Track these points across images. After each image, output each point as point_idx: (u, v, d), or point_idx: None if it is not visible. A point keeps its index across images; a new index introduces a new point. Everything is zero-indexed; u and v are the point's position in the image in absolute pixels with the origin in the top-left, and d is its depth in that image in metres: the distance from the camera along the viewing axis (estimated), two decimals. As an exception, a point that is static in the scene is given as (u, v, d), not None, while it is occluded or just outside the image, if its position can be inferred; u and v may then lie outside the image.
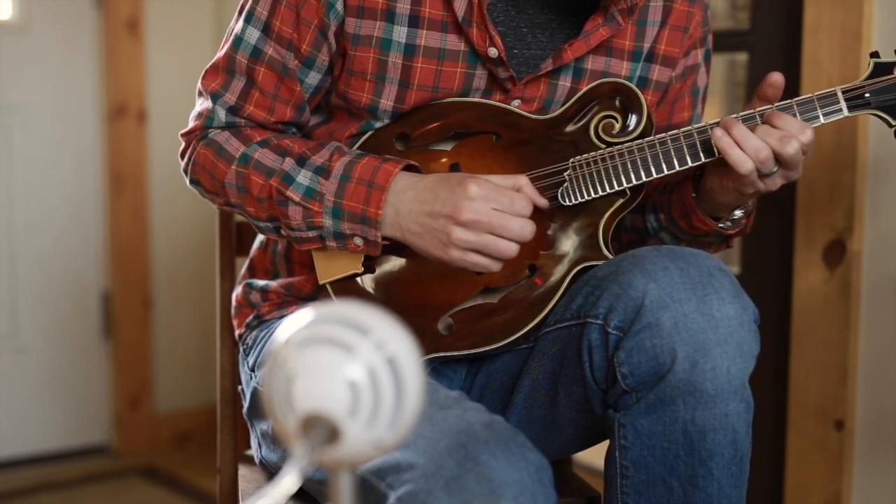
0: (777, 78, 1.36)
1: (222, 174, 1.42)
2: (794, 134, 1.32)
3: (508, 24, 1.43)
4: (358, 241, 1.36)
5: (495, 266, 1.32)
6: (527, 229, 1.30)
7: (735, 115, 1.36)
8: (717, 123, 1.36)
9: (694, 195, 1.43)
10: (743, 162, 1.32)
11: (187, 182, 1.48)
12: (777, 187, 1.37)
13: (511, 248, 1.30)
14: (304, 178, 1.37)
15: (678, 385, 1.25)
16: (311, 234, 1.38)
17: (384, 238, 1.35)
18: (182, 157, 1.48)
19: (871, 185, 1.82)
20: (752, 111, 1.36)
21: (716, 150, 1.35)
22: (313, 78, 1.43)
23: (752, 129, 1.33)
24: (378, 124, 1.44)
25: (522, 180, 1.34)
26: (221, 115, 1.44)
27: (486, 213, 1.29)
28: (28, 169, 3.10)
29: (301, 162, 1.38)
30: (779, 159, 1.33)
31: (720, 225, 1.45)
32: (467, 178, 1.31)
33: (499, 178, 1.33)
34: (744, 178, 1.34)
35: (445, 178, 1.33)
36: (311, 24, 1.40)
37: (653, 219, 1.51)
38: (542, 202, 1.36)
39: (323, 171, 1.36)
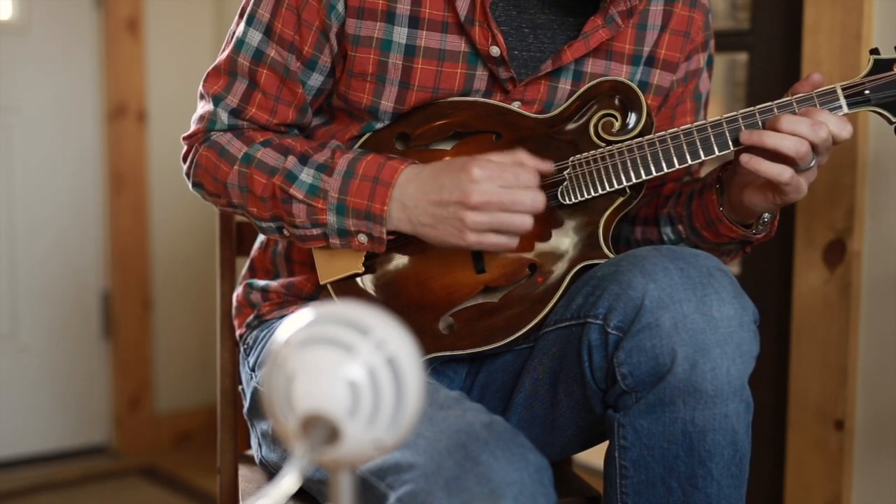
0: (818, 78, 1.36)
1: (224, 175, 1.42)
2: (826, 123, 1.31)
3: (510, 25, 1.43)
4: (362, 237, 1.36)
5: (513, 243, 1.32)
6: (538, 199, 1.30)
7: (749, 110, 1.35)
8: (716, 122, 1.35)
9: (721, 209, 1.42)
10: (780, 172, 1.31)
11: (190, 186, 1.49)
12: (814, 178, 1.36)
13: (526, 222, 1.30)
14: (306, 175, 1.37)
15: (678, 385, 1.25)
16: (315, 231, 1.38)
17: (390, 233, 1.35)
18: (184, 160, 1.48)
19: (871, 185, 1.81)
20: (752, 109, 1.35)
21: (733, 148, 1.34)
22: (315, 80, 1.43)
23: (776, 123, 1.31)
24: (378, 125, 1.44)
25: (521, 153, 1.33)
26: (224, 117, 1.44)
27: (495, 192, 1.29)
28: (28, 169, 3.10)
29: (303, 160, 1.38)
30: (814, 148, 1.32)
31: (753, 231, 1.44)
32: (469, 162, 1.31)
33: (498, 156, 1.33)
34: (787, 185, 1.33)
35: (446, 165, 1.33)
36: (313, 25, 1.40)
37: (669, 231, 1.49)
38: (546, 167, 1.35)
39: (325, 169, 1.36)
